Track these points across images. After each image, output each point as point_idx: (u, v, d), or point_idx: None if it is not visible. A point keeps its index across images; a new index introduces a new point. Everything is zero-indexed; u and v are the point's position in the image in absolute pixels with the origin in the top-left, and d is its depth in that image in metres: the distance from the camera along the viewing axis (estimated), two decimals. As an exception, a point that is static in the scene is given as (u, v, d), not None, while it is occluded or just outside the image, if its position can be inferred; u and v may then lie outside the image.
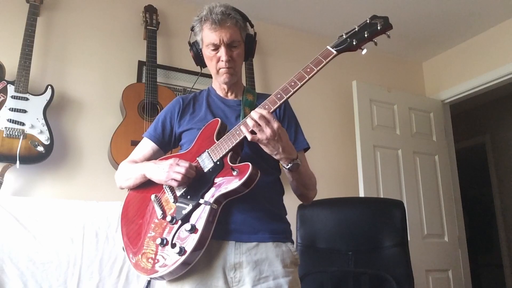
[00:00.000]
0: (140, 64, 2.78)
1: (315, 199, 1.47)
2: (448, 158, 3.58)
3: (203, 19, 1.39)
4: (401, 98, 3.50)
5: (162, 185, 1.32)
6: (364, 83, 3.38)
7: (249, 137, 1.19)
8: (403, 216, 2.29)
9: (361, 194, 3.09)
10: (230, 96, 1.49)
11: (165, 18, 2.94)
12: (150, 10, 2.78)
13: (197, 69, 2.85)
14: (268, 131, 1.18)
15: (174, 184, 1.25)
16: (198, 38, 1.44)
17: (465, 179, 4.10)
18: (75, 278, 2.07)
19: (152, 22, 2.74)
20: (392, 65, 3.79)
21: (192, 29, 1.46)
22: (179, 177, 1.22)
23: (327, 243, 2.34)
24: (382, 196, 3.12)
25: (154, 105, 2.54)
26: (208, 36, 1.38)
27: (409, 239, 2.34)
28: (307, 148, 1.47)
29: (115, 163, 2.37)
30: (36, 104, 2.32)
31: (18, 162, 2.18)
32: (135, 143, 2.37)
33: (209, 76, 1.52)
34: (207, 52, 1.41)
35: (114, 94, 2.63)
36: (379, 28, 1.25)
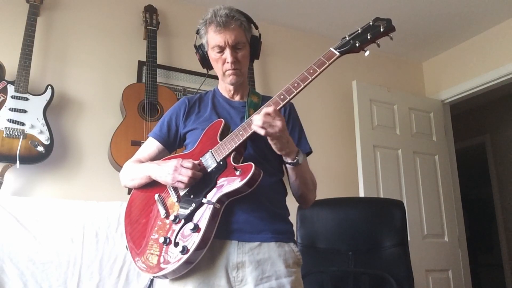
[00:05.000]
0: (140, 64, 2.78)
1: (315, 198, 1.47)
2: (448, 158, 3.58)
3: (207, 22, 1.40)
4: (401, 98, 3.50)
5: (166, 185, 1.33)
6: (364, 83, 3.38)
7: (262, 132, 1.19)
8: (403, 216, 2.29)
9: (361, 194, 3.09)
10: (236, 98, 1.50)
11: (165, 18, 2.94)
12: (150, 10, 2.79)
13: (197, 69, 2.86)
14: (278, 123, 1.19)
15: (181, 186, 1.27)
16: (204, 40, 1.46)
17: (465, 179, 4.10)
18: (75, 278, 2.07)
19: (152, 22, 2.74)
20: (392, 65, 3.79)
21: (198, 32, 1.48)
22: (185, 179, 1.24)
23: (327, 243, 2.33)
24: (382, 196, 3.12)
25: (154, 105, 2.54)
26: (213, 38, 1.39)
27: (409, 239, 2.34)
28: (309, 153, 1.48)
29: (115, 163, 2.37)
30: (36, 104, 2.32)
31: (18, 162, 2.18)
32: (135, 143, 2.38)
33: (216, 77, 1.53)
34: (212, 55, 1.42)
35: (114, 94, 2.63)
36: (382, 30, 1.26)
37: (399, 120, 3.43)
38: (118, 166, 2.38)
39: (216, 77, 1.53)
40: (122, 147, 2.38)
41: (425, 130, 3.53)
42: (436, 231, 3.31)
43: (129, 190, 2.50)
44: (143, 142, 2.38)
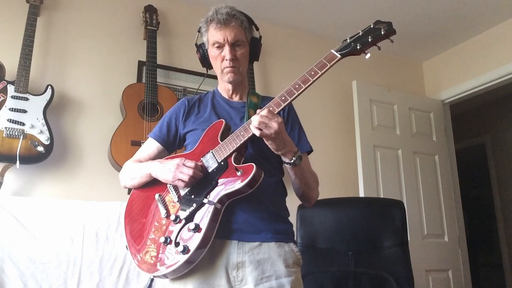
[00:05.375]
0: (140, 64, 2.78)
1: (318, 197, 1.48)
2: (448, 158, 3.58)
3: (209, 20, 1.41)
4: (401, 98, 3.50)
5: (166, 184, 1.33)
6: (364, 83, 3.38)
7: (257, 133, 1.20)
8: (403, 216, 2.29)
9: (361, 194, 3.09)
10: (235, 98, 1.50)
11: (165, 18, 2.94)
12: (150, 10, 2.79)
13: (197, 69, 2.86)
14: (274, 125, 1.20)
15: (181, 184, 1.27)
16: (204, 38, 1.47)
17: (465, 179, 4.10)
18: (75, 278, 2.07)
19: (152, 22, 2.74)
20: (392, 65, 3.79)
21: (199, 30, 1.49)
22: (186, 178, 1.25)
23: (327, 243, 2.34)
24: (382, 196, 3.12)
25: (154, 105, 2.54)
26: (213, 35, 1.40)
27: (409, 239, 2.34)
28: (310, 151, 1.49)
29: (115, 163, 2.37)
30: (36, 104, 2.32)
31: (18, 162, 2.18)
32: (135, 143, 2.38)
33: (215, 77, 1.54)
34: (212, 52, 1.43)
35: (114, 94, 2.63)
36: (382, 33, 1.28)
37: (399, 120, 3.43)
38: (118, 166, 2.38)
39: (215, 77, 1.53)
40: (122, 147, 2.38)
41: (425, 130, 3.53)
42: (436, 231, 3.30)
43: (129, 190, 2.50)
44: (143, 142, 2.40)
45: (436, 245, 3.27)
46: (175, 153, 1.51)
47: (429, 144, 3.51)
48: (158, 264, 1.24)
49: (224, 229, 1.25)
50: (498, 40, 3.33)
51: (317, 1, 3.07)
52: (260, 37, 1.52)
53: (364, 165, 3.14)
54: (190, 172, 1.25)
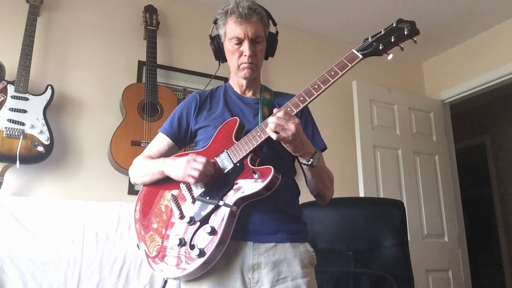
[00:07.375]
0: (140, 64, 2.78)
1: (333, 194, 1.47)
2: (448, 158, 3.58)
3: (229, 12, 1.37)
4: (401, 98, 3.50)
5: (179, 183, 1.30)
6: (364, 83, 3.37)
7: (274, 136, 1.17)
8: (403, 216, 2.29)
9: (361, 194, 3.09)
10: (248, 94, 1.47)
11: (165, 18, 2.94)
12: (150, 10, 2.79)
13: (197, 69, 2.85)
14: (291, 127, 1.16)
15: (192, 180, 1.23)
16: (221, 31, 1.42)
17: (465, 179, 4.10)
18: (75, 278, 2.07)
19: (152, 22, 2.74)
20: (392, 65, 3.79)
21: (215, 22, 1.44)
22: (196, 173, 1.20)
23: (327, 243, 2.34)
24: (382, 196, 3.12)
25: (154, 105, 2.54)
26: (233, 29, 1.36)
27: (409, 239, 2.34)
28: (324, 149, 1.47)
29: (115, 163, 2.37)
30: (36, 104, 2.32)
31: (18, 162, 2.18)
32: (135, 143, 2.38)
33: (221, 78, 1.52)
34: (229, 46, 1.39)
35: (114, 94, 2.63)
36: (406, 33, 1.23)
37: (399, 120, 3.43)
38: (118, 166, 2.38)
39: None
40: (122, 147, 2.38)
41: (425, 130, 3.53)
42: (436, 231, 3.30)
43: (130, 189, 2.51)
44: (143, 142, 2.40)
45: (436, 245, 3.27)
46: (184, 150, 1.47)
47: (429, 144, 3.51)
48: (173, 266, 1.21)
49: (239, 231, 1.22)
50: (498, 40, 3.33)
51: (318, 1, 3.07)
52: (277, 32, 1.49)
53: (364, 165, 3.14)
54: (200, 167, 1.20)
